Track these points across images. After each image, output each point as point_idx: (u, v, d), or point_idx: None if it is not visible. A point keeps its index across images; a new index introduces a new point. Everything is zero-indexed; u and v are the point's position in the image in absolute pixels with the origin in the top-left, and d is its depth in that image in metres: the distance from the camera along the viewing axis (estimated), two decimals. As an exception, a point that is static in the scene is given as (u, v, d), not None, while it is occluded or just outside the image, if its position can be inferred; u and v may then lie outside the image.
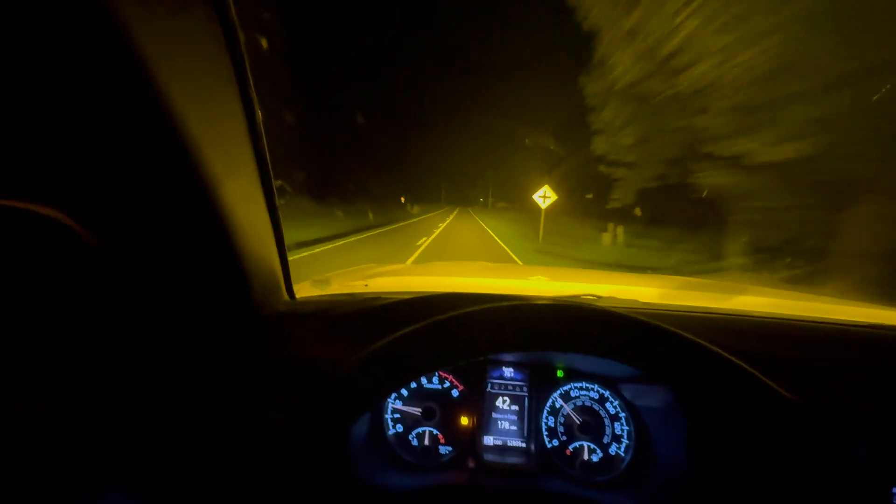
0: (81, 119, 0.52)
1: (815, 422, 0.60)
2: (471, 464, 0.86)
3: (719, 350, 0.61)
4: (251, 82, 0.60)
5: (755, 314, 1.05)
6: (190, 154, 0.55)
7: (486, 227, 24.25)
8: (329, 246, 11.19)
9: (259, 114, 0.64)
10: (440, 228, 21.76)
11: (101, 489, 0.71)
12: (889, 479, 0.70)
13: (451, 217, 37.96)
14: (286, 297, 0.97)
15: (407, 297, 0.88)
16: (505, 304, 0.61)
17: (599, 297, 1.09)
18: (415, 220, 31.94)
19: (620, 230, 14.76)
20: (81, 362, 0.75)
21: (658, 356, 0.63)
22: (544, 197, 13.98)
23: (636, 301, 1.12)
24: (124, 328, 0.75)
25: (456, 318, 0.60)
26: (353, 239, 14.27)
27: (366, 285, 1.24)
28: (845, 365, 0.84)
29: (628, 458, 0.88)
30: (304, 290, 1.10)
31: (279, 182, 0.79)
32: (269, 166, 0.73)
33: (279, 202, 0.82)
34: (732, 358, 0.61)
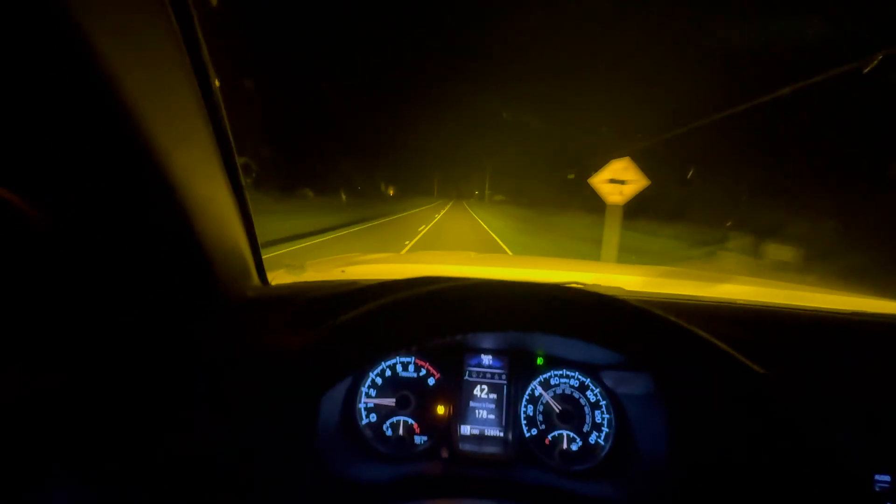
0: (23, 95, 0.48)
1: (789, 394, 0.59)
2: (444, 454, 0.84)
3: (696, 329, 0.59)
4: (203, 46, 0.56)
5: (738, 301, 1.04)
6: (131, 120, 0.51)
7: (489, 230, 17.81)
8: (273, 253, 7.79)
9: (216, 82, 0.60)
10: (429, 226, 18.00)
11: (53, 483, 0.68)
12: (871, 464, 0.69)
13: (444, 212, 34.00)
14: (258, 282, 0.94)
15: (384, 280, 0.85)
16: (477, 280, 0.58)
17: (585, 285, 1.07)
18: (401, 214, 27.68)
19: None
20: (37, 353, 0.71)
21: (636, 337, 0.60)
22: (621, 182, 5.41)
23: (621, 289, 1.11)
24: (82, 313, 0.72)
25: (422, 296, 0.57)
26: (313, 241, 10.87)
27: (342, 272, 1.20)
28: (826, 351, 0.84)
29: (608, 446, 0.86)
30: (279, 277, 1.06)
31: (243, 159, 0.75)
32: (231, 141, 0.69)
33: (245, 181, 0.78)
34: (709, 337, 0.59)
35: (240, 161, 0.74)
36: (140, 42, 0.51)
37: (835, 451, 0.67)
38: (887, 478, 0.68)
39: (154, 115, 0.53)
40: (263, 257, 0.93)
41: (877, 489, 0.67)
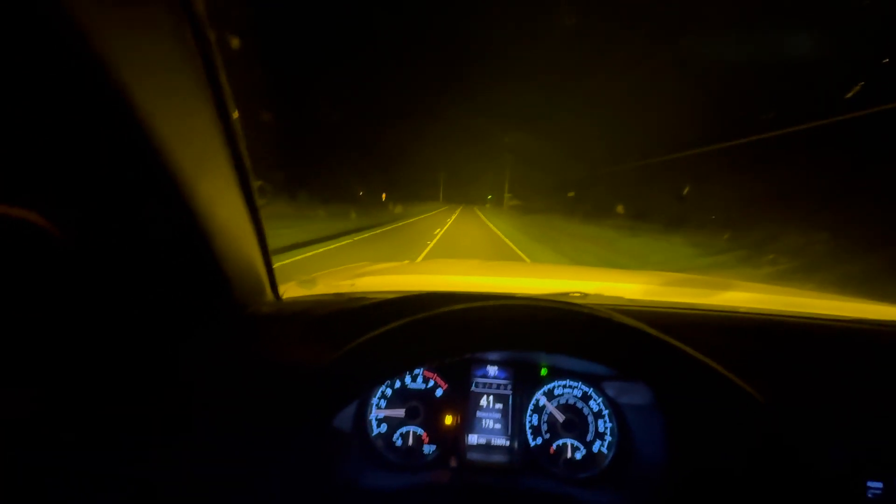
0: (46, 118, 0.52)
1: (783, 425, 0.61)
2: (453, 463, 0.86)
3: (690, 350, 0.62)
4: (224, 82, 0.60)
5: (740, 310, 1.06)
6: (159, 153, 0.55)
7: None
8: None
9: (234, 113, 0.63)
10: (434, 239, 14.62)
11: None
12: (864, 471, 0.71)
13: (451, 220, 27.37)
14: (271, 297, 0.97)
15: (393, 296, 0.88)
16: (479, 304, 0.61)
17: (586, 295, 1.10)
18: (401, 223, 23.11)
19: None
20: (61, 366, 0.74)
21: (629, 355, 0.63)
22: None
23: (622, 298, 1.13)
24: (104, 329, 0.75)
25: (429, 319, 0.61)
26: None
27: (352, 284, 1.23)
28: (825, 359, 0.85)
29: (611, 455, 0.88)
30: (291, 290, 1.09)
31: (260, 182, 0.79)
32: (248, 167, 0.72)
33: (260, 203, 0.81)
34: (703, 357, 0.61)
35: (255, 184, 0.77)
36: (166, 79, 0.55)
37: (829, 461, 0.70)
38: (880, 484, 0.70)
39: (178, 147, 0.57)
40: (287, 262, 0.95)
41: (869, 496, 0.69)
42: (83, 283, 0.70)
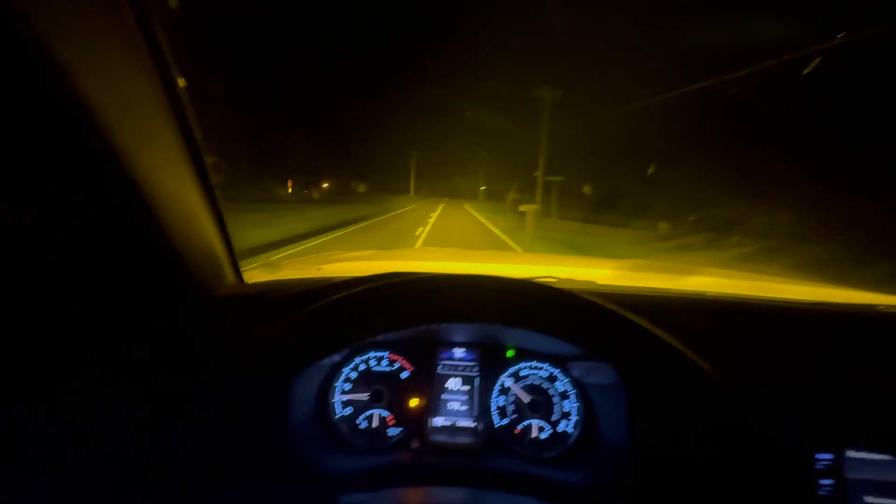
0: None
1: (736, 400, 0.63)
2: (415, 444, 0.86)
3: (647, 324, 0.63)
4: (165, 47, 0.56)
5: (706, 293, 1.09)
6: (88, 120, 0.51)
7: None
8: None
9: (180, 81, 0.60)
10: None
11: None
12: (814, 444, 0.73)
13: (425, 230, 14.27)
14: (233, 280, 0.94)
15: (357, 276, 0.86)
16: (437, 275, 0.61)
17: (559, 279, 1.11)
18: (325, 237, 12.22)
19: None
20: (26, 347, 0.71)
21: (592, 330, 0.64)
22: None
23: (593, 283, 1.14)
24: (53, 309, 0.71)
25: (388, 287, 0.59)
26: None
27: (319, 269, 1.21)
28: (782, 339, 0.88)
29: (576, 434, 0.89)
30: (256, 275, 1.06)
31: (213, 159, 0.75)
32: (199, 141, 0.69)
33: (215, 180, 0.78)
34: (660, 332, 0.62)
35: (209, 160, 0.74)
36: (99, 44, 0.51)
37: (779, 436, 0.72)
38: (829, 456, 0.72)
39: (114, 117, 0.54)
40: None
41: (818, 467, 0.72)
42: (30, 266, 0.66)
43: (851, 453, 0.72)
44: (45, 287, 0.70)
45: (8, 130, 0.52)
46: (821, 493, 0.71)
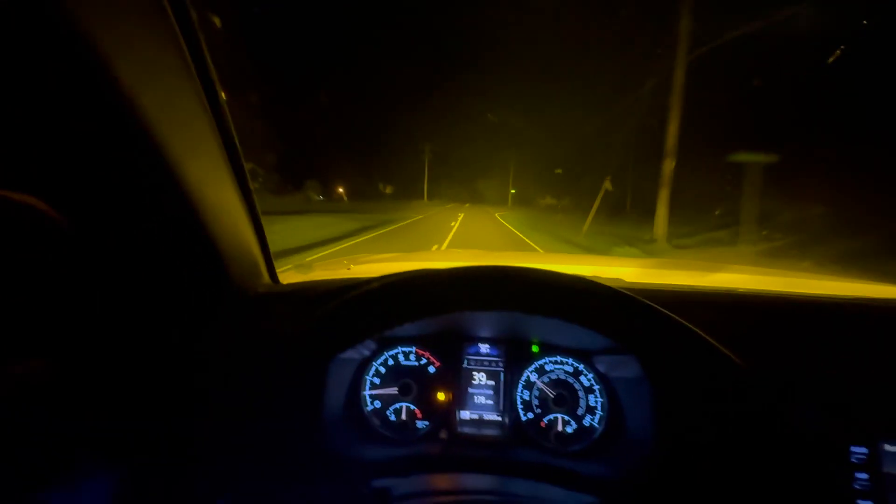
0: (42, 107, 0.54)
1: (764, 390, 0.63)
2: (443, 435, 0.89)
3: (673, 315, 0.63)
4: (209, 63, 0.61)
5: (736, 290, 1.07)
6: (146, 133, 0.57)
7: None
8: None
9: (222, 94, 0.64)
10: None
11: (81, 475, 0.74)
12: (848, 437, 0.72)
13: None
14: (268, 280, 0.99)
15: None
16: (457, 267, 0.63)
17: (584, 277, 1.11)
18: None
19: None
20: (63, 348, 0.76)
21: (618, 320, 0.65)
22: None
23: (621, 280, 1.14)
24: (103, 310, 0.77)
25: (412, 278, 0.62)
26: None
27: (349, 269, 1.25)
28: (817, 334, 0.86)
29: (601, 428, 0.90)
30: (289, 276, 1.11)
31: (250, 165, 0.80)
32: (238, 149, 0.74)
33: (253, 185, 0.83)
34: (685, 322, 0.63)
35: (247, 167, 0.78)
36: (151, 62, 0.57)
37: (812, 428, 0.72)
38: (864, 450, 0.71)
39: (166, 129, 0.59)
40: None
41: (853, 461, 0.71)
42: (85, 264, 0.72)
43: (889, 447, 0.71)
44: (102, 290, 0.75)
45: (77, 147, 0.58)
46: (856, 486, 0.69)
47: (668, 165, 10.80)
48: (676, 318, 0.65)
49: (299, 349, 0.64)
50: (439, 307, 0.64)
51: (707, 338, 0.64)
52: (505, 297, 0.64)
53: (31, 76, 0.51)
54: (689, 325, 0.65)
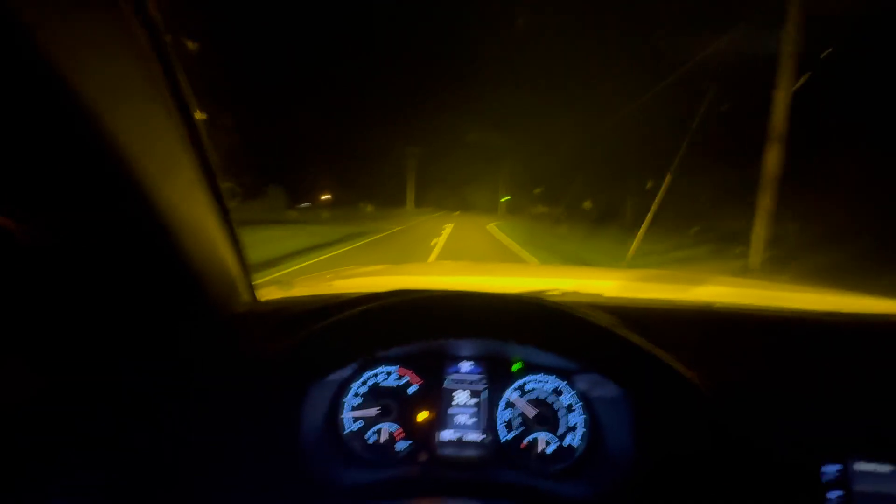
0: (9, 127, 0.52)
1: (729, 416, 0.64)
2: (423, 457, 0.87)
3: (640, 341, 0.65)
4: (184, 84, 0.61)
5: (715, 304, 1.09)
6: (117, 155, 0.56)
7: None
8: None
9: (197, 115, 0.64)
10: None
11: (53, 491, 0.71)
12: (819, 455, 0.73)
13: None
14: (248, 299, 0.97)
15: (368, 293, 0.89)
16: (439, 292, 0.63)
17: (564, 293, 1.12)
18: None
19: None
20: (29, 365, 0.74)
21: (592, 352, 0.66)
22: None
23: (599, 295, 1.15)
24: (74, 331, 0.75)
25: (392, 304, 0.62)
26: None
27: (331, 286, 1.24)
28: (792, 350, 0.88)
29: (582, 447, 0.90)
30: (269, 293, 1.10)
31: (228, 184, 0.79)
32: (215, 169, 0.73)
33: (230, 204, 0.81)
34: (650, 348, 0.64)
35: (224, 186, 0.77)
36: (121, 86, 0.56)
37: (784, 448, 0.73)
38: (836, 468, 0.72)
39: (138, 151, 0.58)
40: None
41: (824, 480, 0.72)
42: (54, 285, 0.70)
43: (859, 465, 0.72)
44: (71, 309, 0.73)
45: (46, 167, 0.57)
46: None
47: (775, 156, 7.87)
48: (642, 343, 0.66)
49: (276, 375, 0.63)
50: (420, 334, 0.65)
51: (672, 364, 0.66)
52: (481, 326, 0.65)
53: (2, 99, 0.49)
54: (655, 351, 0.66)
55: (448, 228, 21.23)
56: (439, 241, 14.51)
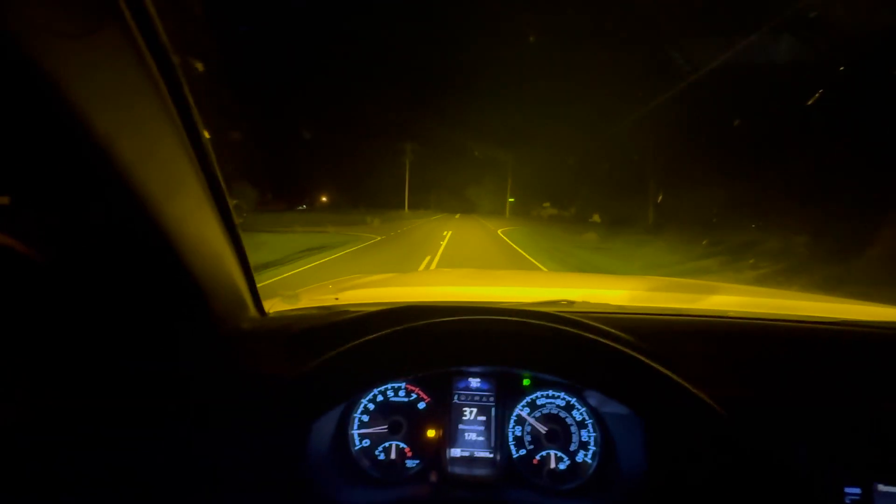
0: (12, 145, 0.53)
1: (744, 435, 0.63)
2: (433, 477, 0.86)
3: (651, 362, 0.64)
4: (191, 104, 0.61)
5: (728, 315, 1.07)
6: (124, 175, 0.56)
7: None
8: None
9: (205, 134, 0.64)
10: None
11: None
12: (842, 477, 0.72)
13: None
14: (254, 313, 0.96)
15: (375, 308, 0.88)
16: (457, 319, 0.63)
17: (573, 302, 1.11)
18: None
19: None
20: (38, 382, 0.74)
21: (597, 373, 0.65)
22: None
23: (608, 305, 1.13)
24: (82, 346, 0.75)
25: (406, 331, 0.62)
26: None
27: (336, 298, 1.23)
28: (809, 362, 0.87)
29: (594, 464, 0.88)
30: (276, 306, 1.09)
31: (235, 201, 0.79)
32: (223, 187, 0.73)
33: (237, 220, 0.81)
34: (663, 370, 0.63)
35: (231, 203, 0.77)
36: (133, 104, 0.56)
37: (804, 470, 0.71)
38: (858, 490, 0.71)
39: (147, 170, 0.58)
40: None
41: (847, 501, 0.70)
42: (62, 298, 0.71)
43: (882, 487, 0.70)
44: (79, 327, 0.73)
45: (54, 186, 0.58)
46: None
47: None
48: (655, 365, 0.65)
49: (290, 401, 0.63)
50: (431, 364, 0.66)
51: (685, 384, 0.64)
52: (493, 355, 0.66)
53: (6, 120, 0.50)
54: (667, 372, 0.65)
55: (447, 238, 16.32)
56: (433, 260, 10.52)
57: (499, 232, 20.72)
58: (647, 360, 0.64)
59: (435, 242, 14.53)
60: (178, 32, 0.54)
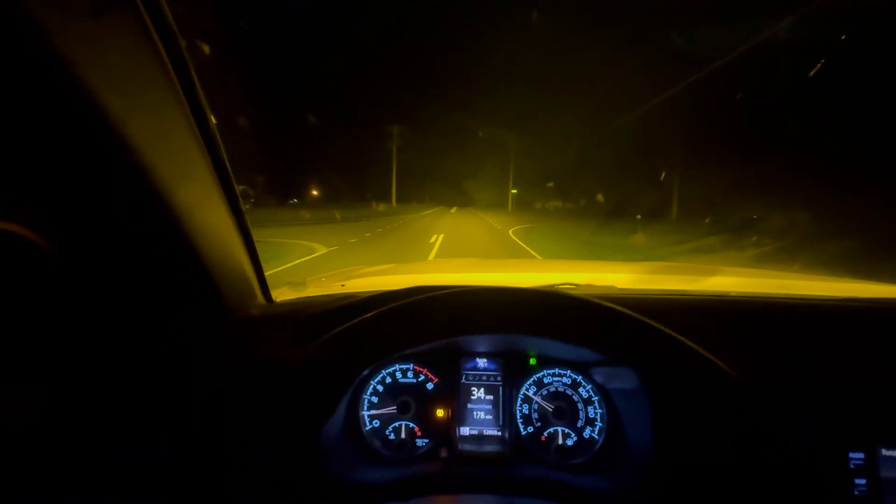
0: (27, 136, 0.53)
1: (756, 399, 0.63)
2: (443, 453, 0.88)
3: (665, 328, 0.64)
4: (198, 91, 0.61)
5: (730, 294, 1.08)
6: (135, 163, 0.57)
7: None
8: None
9: (212, 120, 0.64)
10: None
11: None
12: (846, 442, 0.73)
13: None
14: (262, 300, 0.98)
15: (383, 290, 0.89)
16: (458, 288, 0.63)
17: (577, 286, 1.12)
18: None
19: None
20: (55, 375, 0.75)
21: (611, 337, 0.65)
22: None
23: (613, 287, 1.15)
24: (94, 336, 0.76)
25: (413, 304, 0.62)
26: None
27: (342, 286, 1.24)
28: (811, 337, 0.88)
29: (601, 440, 0.90)
30: (283, 294, 1.10)
31: (241, 187, 0.80)
32: (230, 173, 0.74)
33: (244, 207, 0.82)
34: (677, 335, 0.64)
35: (238, 189, 0.78)
36: (141, 91, 0.57)
37: (808, 435, 0.72)
38: (861, 455, 0.72)
39: (156, 157, 0.59)
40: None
41: (851, 466, 0.71)
42: (73, 287, 0.72)
43: (886, 452, 0.71)
44: (92, 315, 0.75)
45: (64, 175, 0.58)
46: (855, 492, 0.70)
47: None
48: (668, 331, 0.66)
49: (299, 380, 0.64)
50: (442, 332, 0.65)
51: (700, 350, 0.65)
52: (503, 321, 0.65)
53: (17, 106, 0.50)
54: (682, 338, 0.65)
55: (436, 243, 11.46)
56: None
57: (509, 233, 15.06)
58: (658, 326, 0.64)
59: (418, 257, 9.23)
60: (186, 18, 0.55)
